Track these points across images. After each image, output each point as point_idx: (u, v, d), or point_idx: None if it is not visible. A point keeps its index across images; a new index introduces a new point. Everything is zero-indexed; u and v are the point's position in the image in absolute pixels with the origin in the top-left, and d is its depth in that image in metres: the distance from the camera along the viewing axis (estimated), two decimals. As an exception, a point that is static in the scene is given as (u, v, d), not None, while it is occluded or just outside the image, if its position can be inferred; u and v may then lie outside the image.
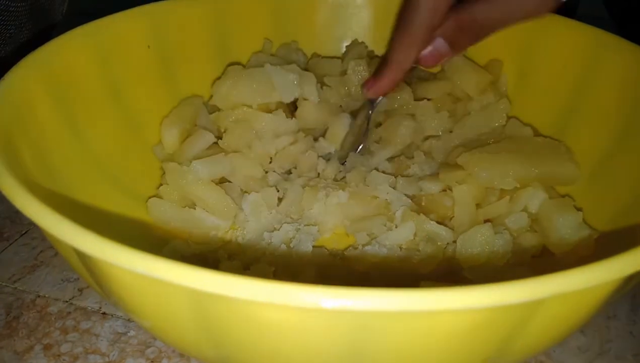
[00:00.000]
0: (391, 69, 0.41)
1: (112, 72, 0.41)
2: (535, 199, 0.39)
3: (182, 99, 0.47)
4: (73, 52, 0.37)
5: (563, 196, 0.41)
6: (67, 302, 0.37)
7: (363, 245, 0.40)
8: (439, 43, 0.39)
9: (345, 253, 0.40)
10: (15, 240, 0.42)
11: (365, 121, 0.47)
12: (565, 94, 0.44)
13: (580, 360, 0.34)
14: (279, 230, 0.41)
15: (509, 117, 0.46)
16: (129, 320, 0.36)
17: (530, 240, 0.39)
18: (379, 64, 0.43)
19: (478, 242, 0.37)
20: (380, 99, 0.46)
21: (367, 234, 0.40)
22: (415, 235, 0.39)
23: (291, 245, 0.40)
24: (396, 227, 0.40)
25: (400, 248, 0.39)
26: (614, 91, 0.40)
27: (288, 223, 0.42)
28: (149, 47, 0.43)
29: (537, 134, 0.45)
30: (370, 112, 0.46)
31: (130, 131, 0.43)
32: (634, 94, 0.39)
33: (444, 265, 0.38)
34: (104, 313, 0.36)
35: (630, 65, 0.39)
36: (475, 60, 0.49)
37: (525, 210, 0.39)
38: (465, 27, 0.38)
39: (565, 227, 0.37)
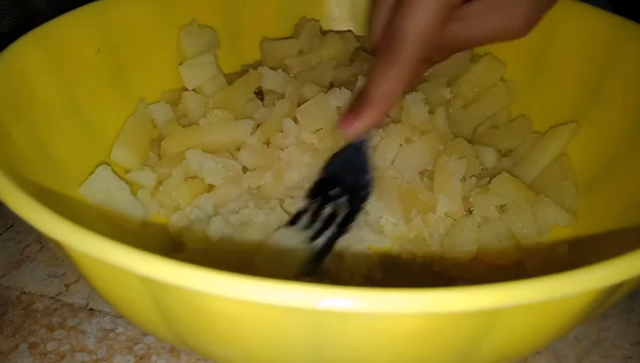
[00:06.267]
0: (374, 105, 0.34)
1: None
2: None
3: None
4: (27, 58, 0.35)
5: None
6: (53, 298, 0.36)
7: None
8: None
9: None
10: (0, 234, 0.41)
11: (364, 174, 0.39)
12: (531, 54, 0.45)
13: (576, 349, 0.34)
14: None
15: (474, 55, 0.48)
16: (116, 316, 0.35)
17: None
18: (358, 97, 0.36)
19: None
20: (364, 137, 0.38)
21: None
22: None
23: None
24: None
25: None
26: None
27: None
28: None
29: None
30: (364, 157, 0.38)
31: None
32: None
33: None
34: (91, 310, 0.35)
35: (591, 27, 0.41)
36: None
37: None
38: (441, 46, 0.35)
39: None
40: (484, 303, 0.18)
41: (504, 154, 0.44)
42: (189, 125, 0.43)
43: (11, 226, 0.42)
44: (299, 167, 0.41)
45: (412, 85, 0.36)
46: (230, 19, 0.49)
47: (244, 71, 0.48)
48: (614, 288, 0.21)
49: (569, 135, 0.41)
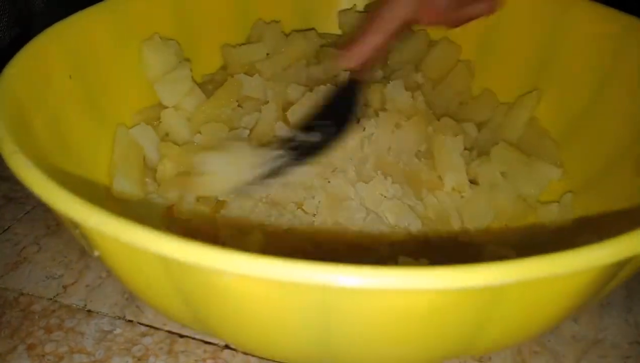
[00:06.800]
0: (372, 29, 0.36)
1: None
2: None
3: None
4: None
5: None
6: (51, 299, 0.36)
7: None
8: None
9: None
10: (-2, 236, 0.41)
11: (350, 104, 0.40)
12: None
13: (574, 349, 0.34)
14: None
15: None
16: (114, 317, 0.35)
17: None
18: (357, 29, 0.39)
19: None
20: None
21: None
22: None
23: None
24: None
25: None
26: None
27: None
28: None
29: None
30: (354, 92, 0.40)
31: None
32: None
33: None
34: (89, 311, 0.35)
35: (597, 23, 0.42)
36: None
37: None
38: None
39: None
40: (489, 281, 0.19)
41: (479, 127, 0.47)
42: (174, 144, 0.43)
43: (8, 228, 0.42)
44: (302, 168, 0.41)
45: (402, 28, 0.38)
46: (185, 28, 0.47)
47: (208, 80, 0.48)
48: (618, 267, 0.21)
49: (535, 101, 0.46)
